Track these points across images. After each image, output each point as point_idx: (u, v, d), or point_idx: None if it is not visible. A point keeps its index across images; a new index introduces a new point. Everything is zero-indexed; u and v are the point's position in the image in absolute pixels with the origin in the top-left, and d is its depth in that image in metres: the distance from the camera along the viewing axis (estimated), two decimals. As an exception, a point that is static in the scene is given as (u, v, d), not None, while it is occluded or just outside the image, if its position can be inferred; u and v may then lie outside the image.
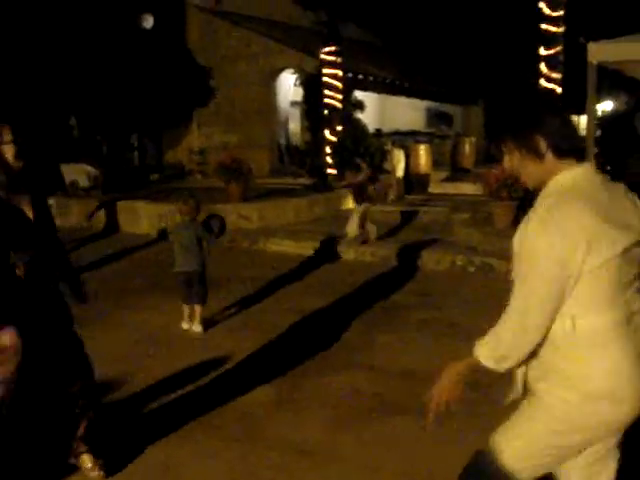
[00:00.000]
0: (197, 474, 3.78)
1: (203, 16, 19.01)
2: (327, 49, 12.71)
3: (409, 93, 22.25)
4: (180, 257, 6.36)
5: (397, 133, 19.95)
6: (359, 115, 17.01)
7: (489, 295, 7.79)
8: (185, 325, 6.38)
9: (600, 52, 8.29)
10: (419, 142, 16.62)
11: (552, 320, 2.12)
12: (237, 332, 6.40)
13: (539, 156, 2.19)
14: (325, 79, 12.95)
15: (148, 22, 17.36)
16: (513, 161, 2.28)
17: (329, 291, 7.88)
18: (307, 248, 10.04)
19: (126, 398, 4.78)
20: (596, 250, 2.04)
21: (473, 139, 20.27)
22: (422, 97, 23.50)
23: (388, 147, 14.22)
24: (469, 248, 9.35)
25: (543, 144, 2.17)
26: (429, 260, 9.14)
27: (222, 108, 18.60)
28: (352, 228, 9.91)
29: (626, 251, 2.10)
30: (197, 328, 6.34)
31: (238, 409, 4.59)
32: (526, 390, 2.37)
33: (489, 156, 22.81)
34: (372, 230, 10.03)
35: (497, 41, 20.92)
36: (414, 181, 14.62)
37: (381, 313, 7.00)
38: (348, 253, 9.75)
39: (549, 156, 2.18)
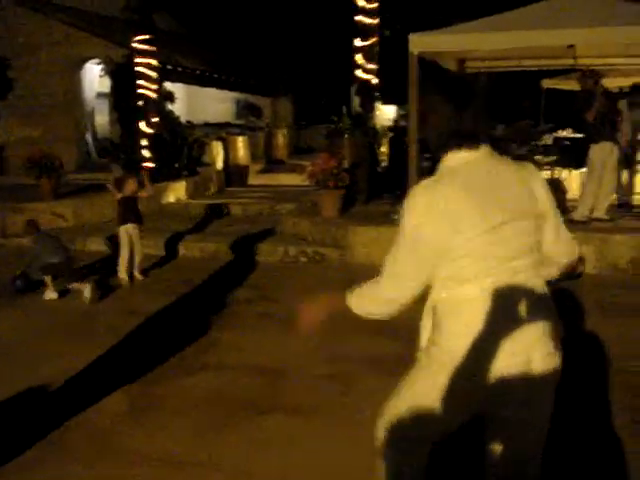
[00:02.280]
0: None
1: (-1, 2, 17.56)
2: (140, 37, 12.14)
3: (218, 85, 21.97)
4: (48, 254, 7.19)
5: (208, 125, 19.61)
6: (170, 107, 16.53)
7: (323, 283, 7.85)
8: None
9: (420, 43, 8.56)
10: (231, 134, 16.43)
11: (414, 289, 2.31)
12: (74, 338, 5.91)
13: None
14: (139, 69, 12.37)
15: None
16: None
17: (163, 289, 7.54)
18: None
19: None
20: (460, 230, 2.19)
21: (285, 131, 20.41)
22: (231, 89, 23.30)
23: (207, 139, 13.94)
24: (299, 238, 9.35)
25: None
26: (261, 252, 9.03)
27: (22, 100, 17.23)
28: (122, 266, 7.83)
29: (495, 229, 2.22)
30: (87, 294, 7.00)
31: (90, 424, 4.21)
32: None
33: (299, 147, 23.18)
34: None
35: (310, 33, 21.24)
36: (233, 173, 14.44)
37: (221, 310, 6.77)
38: (174, 249, 9.39)
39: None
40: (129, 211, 7.94)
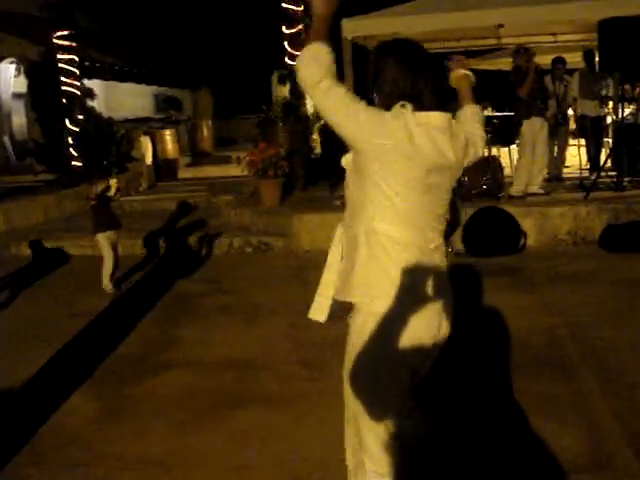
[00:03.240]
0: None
1: None
2: (60, 33, 11.77)
3: (136, 79, 21.56)
4: None
5: (128, 120, 19.18)
6: (91, 104, 16.09)
7: (273, 272, 7.84)
8: None
9: (353, 28, 8.59)
10: (153, 128, 16.14)
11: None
12: (23, 346, 5.68)
13: None
14: (61, 65, 11.99)
15: None
16: None
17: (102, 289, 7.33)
18: (68, 247, 9.30)
19: None
20: (408, 166, 2.33)
21: (210, 122, 20.19)
22: (149, 83, 22.89)
23: (134, 134, 13.64)
24: (242, 229, 9.27)
25: None
26: (205, 245, 8.90)
27: None
28: (105, 274, 7.28)
29: (421, 186, 2.37)
30: None
31: (66, 429, 4.07)
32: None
33: (222, 139, 22.96)
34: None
35: (229, 22, 20.98)
36: (163, 167, 14.20)
37: (176, 305, 6.66)
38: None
39: None
40: (106, 216, 7.25)
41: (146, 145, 13.53)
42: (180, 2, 21.54)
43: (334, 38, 7.92)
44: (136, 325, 6.11)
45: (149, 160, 13.58)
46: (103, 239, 7.23)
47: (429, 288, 2.42)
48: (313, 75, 2.29)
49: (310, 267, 7.61)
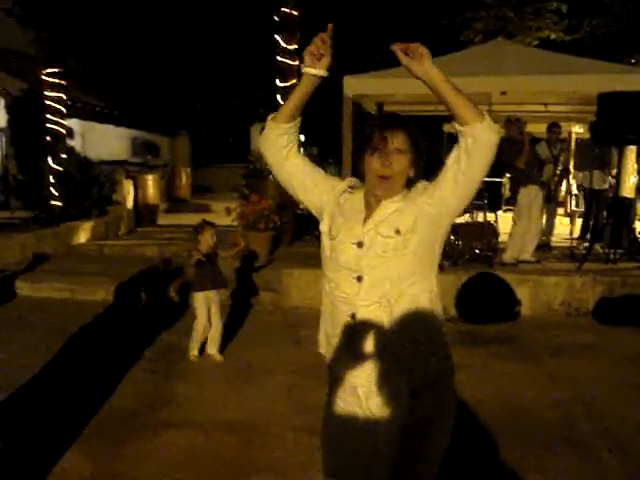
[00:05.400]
0: None
1: None
2: (50, 70, 11.58)
3: (115, 121, 21.40)
4: None
5: (104, 162, 18.93)
6: (70, 143, 15.85)
7: (262, 328, 7.60)
8: None
9: (355, 86, 8.56)
10: (130, 172, 15.91)
11: None
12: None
13: None
14: (48, 102, 11.77)
15: None
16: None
17: (87, 336, 7.00)
18: (46, 289, 8.97)
19: None
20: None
21: (188, 169, 20.04)
22: (128, 126, 22.74)
23: (117, 177, 13.37)
24: (228, 280, 9.00)
25: None
26: (188, 295, 8.63)
27: None
28: (195, 340, 6.34)
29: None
30: None
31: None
32: None
33: (198, 186, 22.81)
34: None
35: (217, 72, 21.02)
36: (143, 213, 13.91)
37: (165, 357, 6.36)
38: (97, 293, 8.86)
39: None
40: (208, 272, 6.35)
41: (128, 189, 13.27)
42: (165, 48, 21.54)
43: (335, 94, 7.79)
44: (127, 377, 5.81)
45: (130, 204, 13.30)
46: (200, 300, 6.41)
47: None
48: None
49: (300, 325, 7.40)
